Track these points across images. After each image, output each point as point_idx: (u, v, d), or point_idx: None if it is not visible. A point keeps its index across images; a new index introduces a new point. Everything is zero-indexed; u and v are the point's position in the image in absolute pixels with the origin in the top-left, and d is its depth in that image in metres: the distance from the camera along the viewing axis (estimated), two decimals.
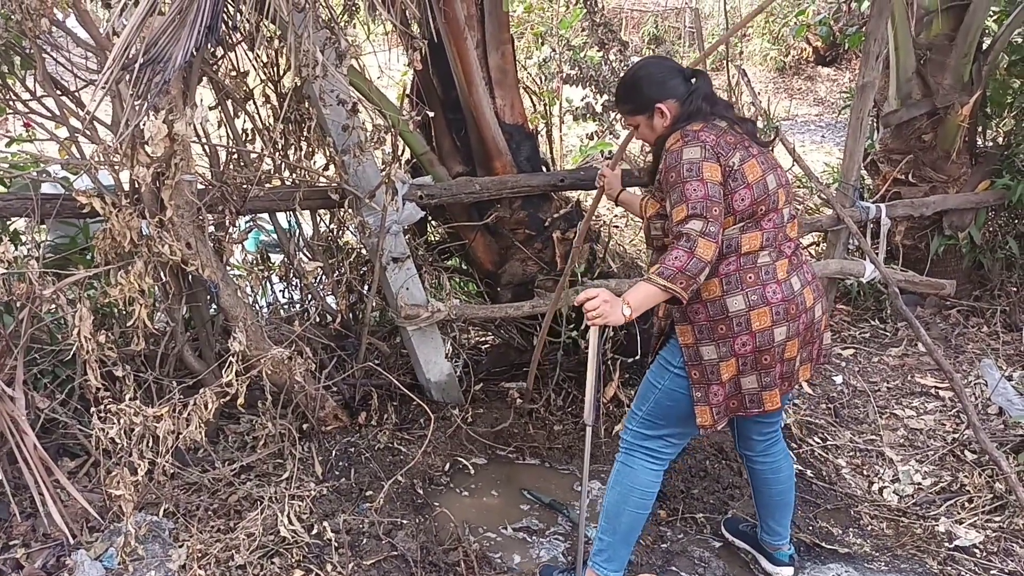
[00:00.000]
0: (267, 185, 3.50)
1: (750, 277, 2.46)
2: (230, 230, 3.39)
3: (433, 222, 4.34)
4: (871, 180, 5.62)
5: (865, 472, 3.76)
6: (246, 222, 3.85)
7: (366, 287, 3.86)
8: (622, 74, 2.71)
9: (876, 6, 4.15)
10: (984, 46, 5.14)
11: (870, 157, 5.44)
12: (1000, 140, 5.57)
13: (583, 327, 4.07)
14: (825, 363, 2.81)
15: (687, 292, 2.29)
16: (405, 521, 3.18)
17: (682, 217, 2.33)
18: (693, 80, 2.58)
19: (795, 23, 10.89)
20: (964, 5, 4.94)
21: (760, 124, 4.75)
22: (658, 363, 2.66)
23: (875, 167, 5.52)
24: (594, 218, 5.43)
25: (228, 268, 3.46)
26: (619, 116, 4.80)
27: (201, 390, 3.03)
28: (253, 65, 3.40)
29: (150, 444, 2.91)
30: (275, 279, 4.06)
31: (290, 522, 3.06)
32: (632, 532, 2.76)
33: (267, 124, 3.52)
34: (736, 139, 2.48)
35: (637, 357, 3.92)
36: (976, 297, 5.37)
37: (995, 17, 5.57)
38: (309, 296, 4.08)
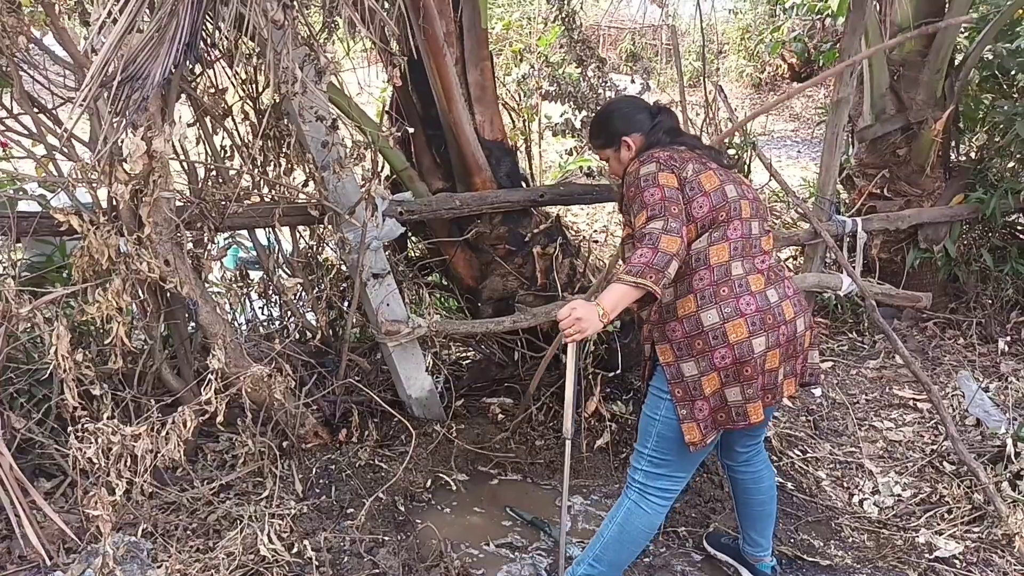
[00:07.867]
0: (246, 202, 3.49)
1: (724, 291, 2.49)
2: (209, 247, 3.37)
3: (413, 238, 4.35)
4: (847, 194, 5.69)
5: (845, 484, 3.78)
6: (225, 239, 3.84)
7: (346, 303, 3.85)
8: (596, 112, 2.88)
9: (850, 23, 4.21)
10: (956, 62, 5.23)
11: (846, 172, 5.51)
12: (973, 154, 5.66)
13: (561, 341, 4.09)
14: (814, 383, 2.80)
15: (658, 286, 2.32)
16: (387, 538, 3.15)
17: (643, 221, 2.42)
18: (658, 116, 2.74)
19: (770, 40, 11.04)
20: (936, 22, 5.03)
21: (737, 139, 4.81)
22: (651, 394, 2.67)
23: (851, 181, 5.59)
24: (572, 233, 5.47)
25: (207, 285, 3.44)
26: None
27: (180, 408, 3.00)
28: (232, 82, 3.39)
29: (128, 463, 2.87)
30: (254, 296, 4.04)
31: (270, 541, 3.03)
32: (627, 564, 2.80)
33: (246, 141, 3.51)
34: (693, 156, 2.61)
35: (618, 371, 3.94)
36: (952, 309, 5.44)
37: (966, 34, 5.67)
38: (289, 313, 4.06)
